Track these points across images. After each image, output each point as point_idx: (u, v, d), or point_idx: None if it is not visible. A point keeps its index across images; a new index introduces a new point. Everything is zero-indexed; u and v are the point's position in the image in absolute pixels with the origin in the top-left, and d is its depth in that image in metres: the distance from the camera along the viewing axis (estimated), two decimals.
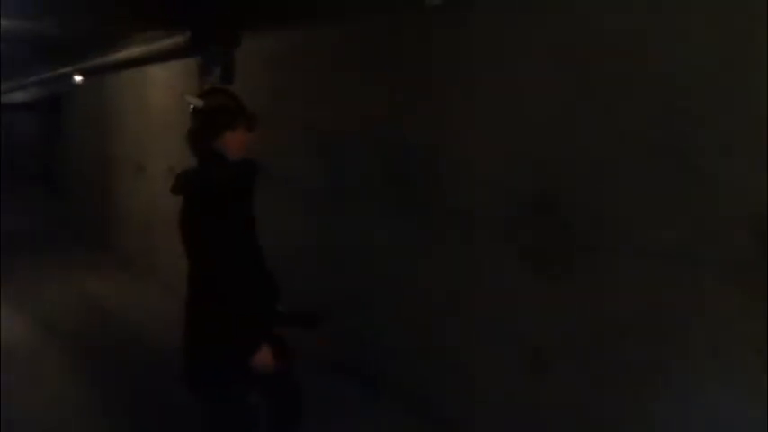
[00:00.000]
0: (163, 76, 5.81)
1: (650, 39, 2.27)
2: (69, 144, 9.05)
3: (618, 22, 2.37)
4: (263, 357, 2.17)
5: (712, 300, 2.12)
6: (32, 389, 3.82)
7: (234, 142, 2.22)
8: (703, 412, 2.15)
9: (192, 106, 2.27)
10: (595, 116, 2.46)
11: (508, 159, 2.80)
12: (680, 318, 2.22)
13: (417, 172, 3.26)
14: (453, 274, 3.08)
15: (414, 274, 3.30)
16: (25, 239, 8.55)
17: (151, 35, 5.45)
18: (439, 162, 3.14)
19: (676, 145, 2.20)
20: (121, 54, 6.09)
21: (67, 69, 7.59)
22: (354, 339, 3.68)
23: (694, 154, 2.15)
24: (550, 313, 2.64)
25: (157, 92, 5.96)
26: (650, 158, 2.28)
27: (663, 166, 2.24)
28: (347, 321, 3.68)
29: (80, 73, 7.51)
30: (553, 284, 2.62)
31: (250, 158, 2.36)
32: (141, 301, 5.64)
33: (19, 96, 11.08)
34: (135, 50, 5.80)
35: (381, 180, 3.48)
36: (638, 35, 2.30)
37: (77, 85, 7.84)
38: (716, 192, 2.10)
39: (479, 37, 2.92)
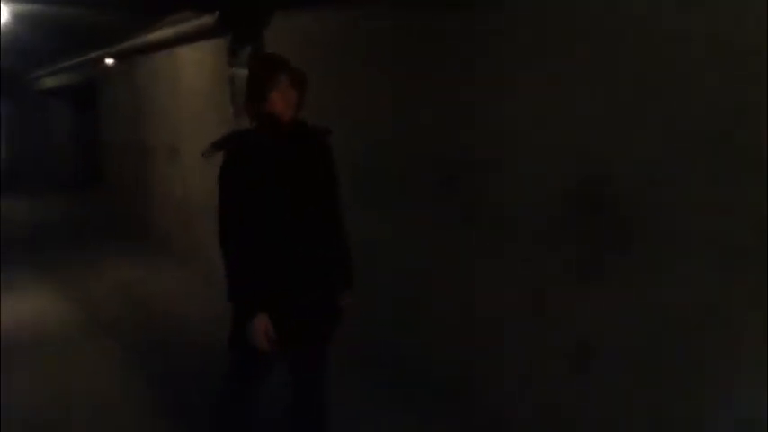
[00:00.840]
0: (193, 58, 5.77)
1: (700, 26, 2.12)
2: (103, 129, 9.14)
3: (666, 9, 2.22)
4: (255, 332, 2.15)
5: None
6: (71, 375, 3.89)
7: (280, 101, 2.22)
8: (754, 412, 2.05)
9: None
10: (643, 108, 2.32)
11: (553, 155, 2.67)
12: (734, 314, 2.10)
13: (460, 171, 3.13)
14: (498, 273, 2.97)
15: (457, 273, 3.20)
16: (66, 229, 8.72)
17: (180, 17, 5.40)
18: (481, 160, 3.01)
19: (729, 135, 2.07)
20: (151, 36, 6.07)
21: (98, 53, 7.62)
22: (398, 338, 3.60)
23: (747, 144, 2.01)
24: (598, 311, 2.54)
25: (188, 74, 5.93)
26: (701, 150, 2.15)
27: (715, 157, 2.11)
28: (390, 320, 3.62)
29: (111, 57, 7.53)
30: (600, 282, 2.52)
31: (313, 124, 2.35)
32: (178, 286, 5.69)
33: (51, 82, 11.21)
34: (165, 32, 5.76)
35: (420, 178, 3.37)
36: (687, 22, 2.15)
37: (109, 69, 7.88)
38: None
39: (520, 29, 2.77)
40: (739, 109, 2.05)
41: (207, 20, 4.90)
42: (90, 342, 4.49)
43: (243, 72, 2.39)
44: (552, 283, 2.73)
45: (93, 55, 7.82)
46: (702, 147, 2.15)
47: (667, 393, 2.32)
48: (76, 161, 12.07)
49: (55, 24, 6.27)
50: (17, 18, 5.52)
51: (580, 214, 2.57)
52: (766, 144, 1.91)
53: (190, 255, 6.26)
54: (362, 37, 3.74)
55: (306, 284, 2.26)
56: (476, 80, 3.02)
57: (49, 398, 3.58)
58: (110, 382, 3.82)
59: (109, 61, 7.66)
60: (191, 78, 5.88)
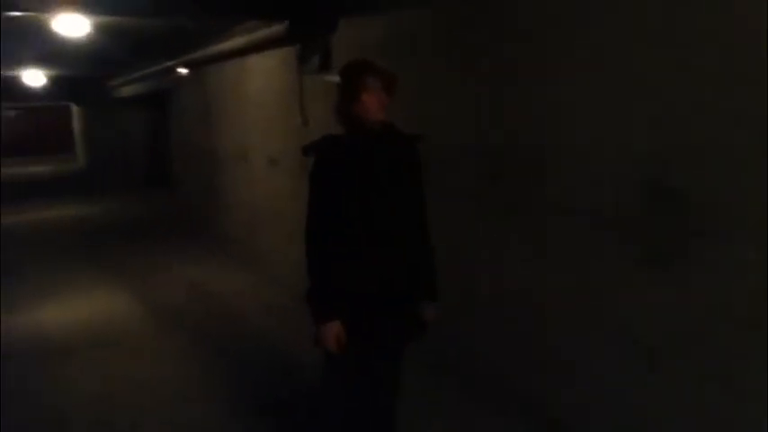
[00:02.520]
0: (263, 66, 5.87)
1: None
2: (174, 136, 9.45)
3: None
4: (325, 336, 2.17)
5: None
6: (144, 368, 4.01)
7: (370, 105, 2.23)
8: None
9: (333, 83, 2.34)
10: (708, 100, 2.19)
11: (617, 149, 2.56)
12: None
13: (522, 166, 3.04)
14: (561, 270, 2.87)
15: (518, 272, 3.11)
16: (137, 230, 9.06)
17: (250, 26, 5.50)
18: (545, 155, 2.90)
19: None
20: (222, 46, 6.21)
21: (172, 63, 7.86)
22: (459, 339, 3.53)
23: None
24: (664, 306, 2.42)
25: (257, 82, 6.04)
26: (765, 142, 2.01)
27: None
28: (452, 321, 3.54)
29: (183, 66, 7.76)
30: (667, 277, 2.40)
31: (404, 131, 2.34)
32: (244, 288, 5.80)
33: (127, 91, 11.68)
34: (235, 42, 5.88)
35: (483, 177, 3.29)
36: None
37: (181, 79, 8.13)
38: None
39: (585, 22, 2.65)
40: None
41: (277, 29, 4.97)
42: (156, 336, 4.65)
43: (333, 80, 2.37)
44: (609, 281, 2.63)
45: (166, 64, 8.08)
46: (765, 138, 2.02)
47: (732, 395, 2.21)
48: (149, 165, 12.55)
49: (132, 35, 6.52)
50: (98, 29, 5.76)
51: (639, 210, 2.47)
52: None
53: (254, 257, 6.37)
54: (428, 43, 3.69)
55: (387, 293, 2.24)
56: (531, 71, 2.94)
57: (116, 390, 3.72)
58: (175, 374, 3.94)
59: (182, 70, 7.90)
60: (260, 86, 5.98)
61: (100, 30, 5.83)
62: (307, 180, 2.26)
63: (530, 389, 3.15)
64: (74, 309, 5.34)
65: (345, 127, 2.30)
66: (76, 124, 21.09)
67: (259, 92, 6.01)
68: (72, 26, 5.25)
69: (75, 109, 20.65)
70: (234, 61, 6.38)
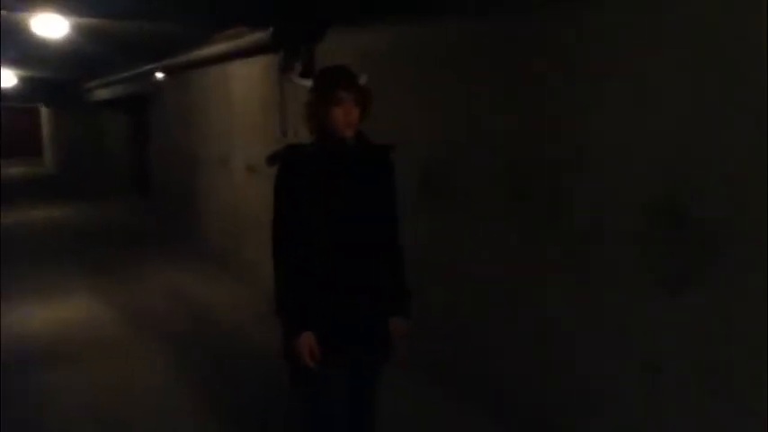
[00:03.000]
0: (245, 73, 5.85)
1: None
2: (155, 141, 9.33)
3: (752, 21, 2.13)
4: (299, 348, 2.12)
5: None
6: (119, 375, 3.97)
7: (341, 117, 2.16)
8: None
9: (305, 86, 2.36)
10: (730, 122, 2.23)
11: (634, 168, 2.58)
12: None
13: (539, 185, 3.04)
14: (577, 288, 2.87)
15: (534, 289, 3.10)
16: (112, 235, 8.91)
17: (234, 32, 5.49)
18: (562, 173, 2.91)
19: None
20: (204, 51, 6.19)
21: (152, 67, 7.79)
22: (471, 354, 3.53)
23: None
24: (677, 327, 2.44)
25: (240, 88, 6.01)
26: None
27: None
28: (464, 335, 3.55)
29: (164, 70, 7.70)
30: (682, 297, 2.42)
31: (375, 140, 2.30)
32: (224, 292, 5.77)
33: (106, 93, 11.52)
34: (218, 47, 5.87)
35: (495, 192, 3.28)
36: None
37: (161, 83, 8.05)
38: None
39: (602, 38, 2.69)
40: None
41: (260, 36, 4.96)
42: (134, 343, 4.59)
43: (304, 85, 2.34)
44: (627, 297, 2.64)
45: (147, 68, 8.00)
46: None
47: (741, 411, 2.22)
48: (128, 170, 12.36)
49: (112, 37, 6.44)
50: (77, 31, 5.68)
51: (661, 228, 2.48)
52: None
53: (236, 263, 6.32)
54: (419, 53, 3.72)
55: (355, 304, 2.20)
56: (556, 89, 2.92)
57: (99, 397, 3.66)
58: (156, 381, 3.89)
59: (160, 75, 7.83)
60: (242, 93, 5.96)
61: (78, 31, 5.75)
62: None
63: (527, 400, 3.16)
64: (54, 313, 5.23)
65: (314, 135, 2.26)
66: (46, 127, 20.71)
67: (241, 98, 5.99)
68: (50, 27, 5.18)
69: (44, 111, 20.29)
70: (217, 67, 6.35)
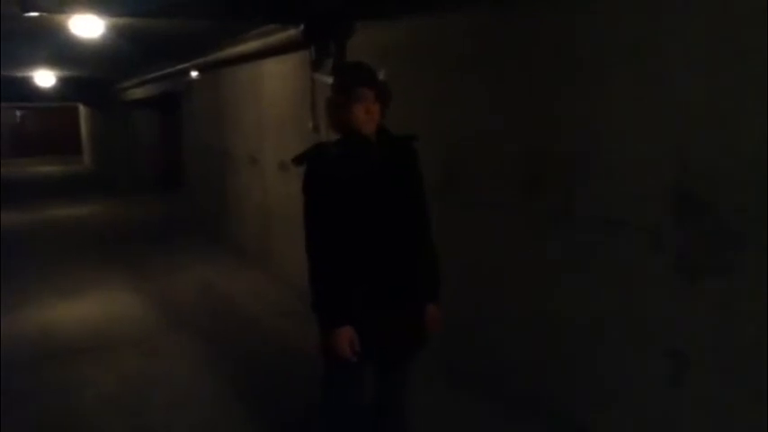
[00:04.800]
0: (276, 70, 5.86)
1: None
2: (187, 139, 9.44)
3: None
4: (339, 343, 2.14)
5: None
6: (158, 367, 4.04)
7: (362, 114, 2.19)
8: None
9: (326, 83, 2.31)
10: (747, 108, 2.16)
11: (649, 155, 2.53)
12: None
13: (556, 177, 3.00)
14: (597, 282, 2.83)
15: (551, 280, 3.07)
16: (147, 231, 9.06)
17: (266, 29, 5.50)
18: (573, 158, 2.88)
19: None
20: (236, 49, 6.21)
21: (185, 65, 7.87)
22: (489, 351, 3.50)
23: None
24: (697, 315, 2.39)
25: (271, 86, 6.03)
26: None
27: None
28: (481, 333, 3.51)
29: (196, 69, 7.77)
30: (704, 289, 2.37)
31: (400, 135, 2.31)
32: (254, 287, 5.83)
33: (140, 93, 11.71)
34: (249, 45, 5.88)
35: (515, 187, 3.24)
36: None
37: (194, 82, 8.13)
38: None
39: (619, 24, 2.63)
40: None
41: (292, 33, 4.96)
42: (163, 334, 4.67)
43: (326, 81, 2.35)
44: (644, 288, 2.59)
45: (179, 67, 8.09)
46: None
47: (759, 397, 2.18)
48: (160, 167, 12.56)
49: (145, 37, 6.52)
50: (112, 30, 5.77)
51: (678, 215, 2.43)
52: None
53: (266, 259, 6.36)
54: (447, 48, 3.67)
55: (389, 296, 2.23)
56: (569, 76, 2.89)
57: (130, 389, 3.73)
58: (185, 372, 3.96)
59: (194, 73, 7.91)
60: (273, 90, 5.97)
61: (114, 31, 5.83)
62: None
63: (541, 395, 3.12)
64: (86, 307, 5.34)
65: (338, 132, 2.29)
66: (84, 125, 21.18)
67: (272, 95, 6.00)
68: (87, 27, 5.25)
69: (82, 110, 20.75)
70: (249, 65, 6.38)
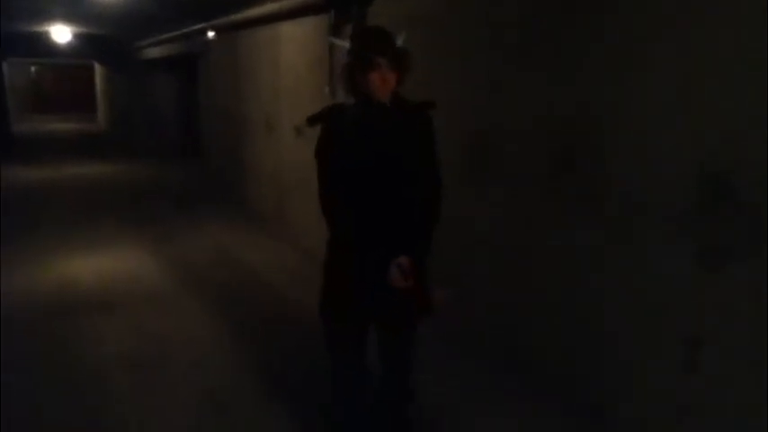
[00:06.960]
0: (295, 34, 5.79)
1: None
2: (203, 101, 9.40)
3: None
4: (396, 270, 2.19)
5: None
6: (173, 326, 4.10)
7: (378, 81, 2.18)
8: None
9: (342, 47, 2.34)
10: None
11: (677, 140, 2.47)
12: None
13: (585, 159, 2.93)
14: (619, 263, 2.79)
15: (576, 263, 3.03)
16: (162, 193, 9.09)
17: None
18: (605, 147, 2.80)
19: None
20: (255, 11, 6.14)
21: (202, 26, 7.80)
22: (514, 333, 3.49)
23: None
24: (720, 302, 2.36)
25: (289, 50, 5.97)
26: None
27: None
28: (507, 314, 3.51)
29: (214, 30, 7.70)
30: (725, 272, 2.33)
31: (417, 102, 2.31)
32: (267, 252, 5.86)
33: (156, 52, 11.63)
34: (268, 7, 5.81)
35: (542, 167, 3.18)
36: None
37: (211, 43, 8.06)
38: None
39: (651, 3, 2.55)
40: None
41: None
42: (176, 295, 4.72)
43: (342, 46, 2.35)
44: (670, 271, 2.55)
45: (197, 27, 8.02)
46: None
47: None
48: (176, 129, 12.53)
49: None
50: None
51: (704, 201, 2.39)
52: None
53: (278, 223, 6.38)
54: (473, 15, 3.59)
55: (379, 258, 2.24)
56: (598, 56, 2.81)
57: (138, 343, 3.81)
58: (194, 331, 4.02)
59: (211, 34, 7.83)
60: (291, 54, 5.91)
61: None
62: None
63: (561, 378, 3.13)
64: (101, 266, 5.40)
65: (354, 97, 2.29)
66: (99, 85, 21.13)
67: (290, 59, 5.94)
68: None
69: (98, 69, 20.68)
70: (267, 28, 6.31)
